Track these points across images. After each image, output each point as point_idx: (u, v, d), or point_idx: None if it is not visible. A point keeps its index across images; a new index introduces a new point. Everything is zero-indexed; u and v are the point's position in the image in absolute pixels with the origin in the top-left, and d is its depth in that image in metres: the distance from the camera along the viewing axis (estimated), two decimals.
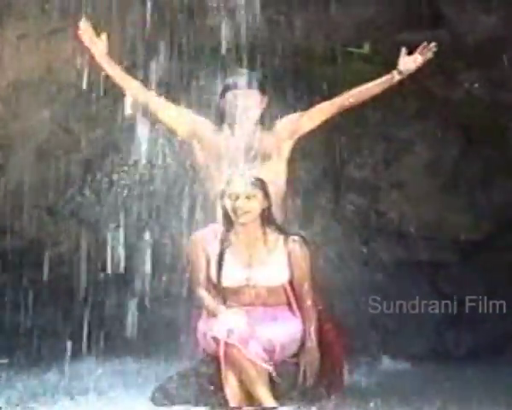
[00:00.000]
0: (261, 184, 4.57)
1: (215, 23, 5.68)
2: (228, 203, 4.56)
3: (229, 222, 4.61)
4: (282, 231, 4.70)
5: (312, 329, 4.57)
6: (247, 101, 4.93)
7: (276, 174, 4.92)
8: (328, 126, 5.22)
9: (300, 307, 4.63)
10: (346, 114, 5.18)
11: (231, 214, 4.56)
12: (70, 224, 6.25)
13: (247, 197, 4.52)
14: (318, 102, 5.13)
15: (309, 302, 4.61)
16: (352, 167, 6.45)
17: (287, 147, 5.03)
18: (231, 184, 4.55)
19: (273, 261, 4.62)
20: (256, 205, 4.54)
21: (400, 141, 6.38)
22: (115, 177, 6.01)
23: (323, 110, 5.09)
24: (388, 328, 6.34)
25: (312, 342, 4.56)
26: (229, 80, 5.02)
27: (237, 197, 4.53)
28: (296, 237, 4.68)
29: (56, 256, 6.13)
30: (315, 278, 4.67)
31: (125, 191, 5.92)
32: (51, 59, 5.82)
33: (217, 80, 5.20)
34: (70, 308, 5.96)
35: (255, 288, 4.58)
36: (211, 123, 5.04)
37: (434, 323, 6.41)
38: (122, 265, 5.40)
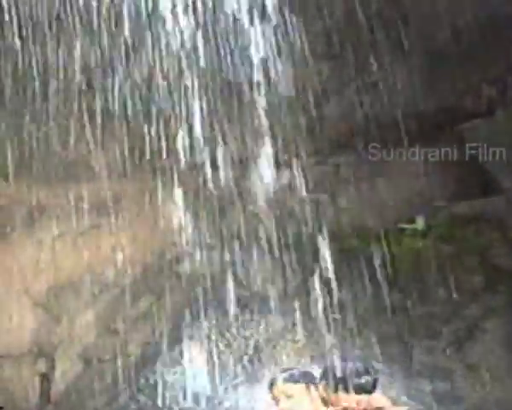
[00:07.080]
0: None
1: None
2: None
3: None
4: None
5: None
6: None
7: None
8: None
9: None
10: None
11: None
12: None
13: None
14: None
15: None
16: (420, 351, 5.99)
17: None
18: None
19: None
20: None
21: (470, 318, 5.96)
22: (170, 378, 5.71)
23: None
24: None
25: None
26: None
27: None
28: None
29: None
30: None
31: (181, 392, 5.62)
32: (89, 257, 5.82)
33: None
34: None
35: None
36: None
37: None
38: None
